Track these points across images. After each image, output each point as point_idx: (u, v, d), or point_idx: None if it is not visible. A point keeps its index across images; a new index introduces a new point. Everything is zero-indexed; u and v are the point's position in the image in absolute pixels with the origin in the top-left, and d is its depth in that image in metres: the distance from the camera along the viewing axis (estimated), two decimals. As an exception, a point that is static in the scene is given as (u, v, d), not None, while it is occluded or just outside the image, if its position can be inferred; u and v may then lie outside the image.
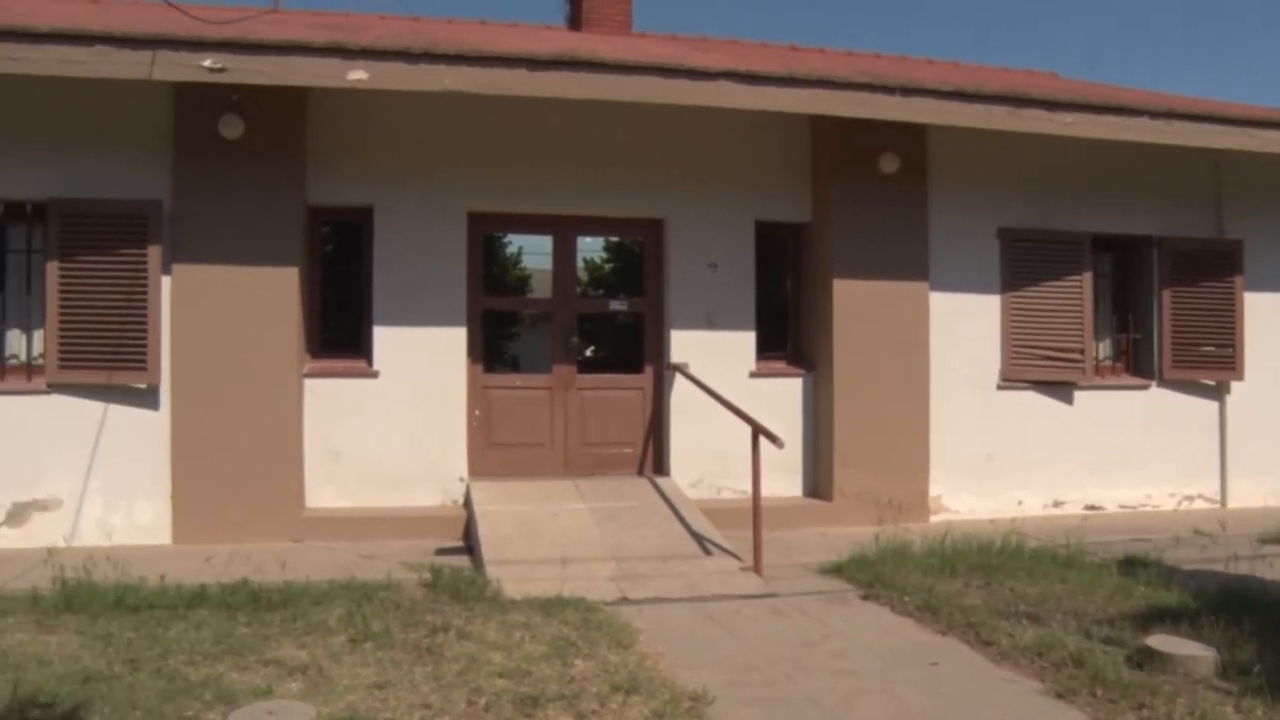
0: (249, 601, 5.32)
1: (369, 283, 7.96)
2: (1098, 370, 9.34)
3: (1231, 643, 4.71)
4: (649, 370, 8.59)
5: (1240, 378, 9.42)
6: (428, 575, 5.99)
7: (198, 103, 7.20)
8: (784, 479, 8.40)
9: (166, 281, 7.30)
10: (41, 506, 7.15)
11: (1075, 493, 8.99)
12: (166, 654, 4.44)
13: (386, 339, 7.88)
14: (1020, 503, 8.80)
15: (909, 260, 8.56)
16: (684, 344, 8.40)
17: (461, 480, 7.92)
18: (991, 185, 8.87)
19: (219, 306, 7.33)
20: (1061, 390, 9.05)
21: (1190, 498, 9.36)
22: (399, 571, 6.13)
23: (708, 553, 6.72)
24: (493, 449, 8.25)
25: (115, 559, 5.84)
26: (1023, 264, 8.91)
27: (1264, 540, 7.53)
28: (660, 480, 8.19)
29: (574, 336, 8.60)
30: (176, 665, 4.30)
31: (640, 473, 8.47)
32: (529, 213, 8.36)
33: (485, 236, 8.70)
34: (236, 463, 7.28)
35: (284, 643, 4.65)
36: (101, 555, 6.03)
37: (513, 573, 6.10)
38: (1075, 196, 9.09)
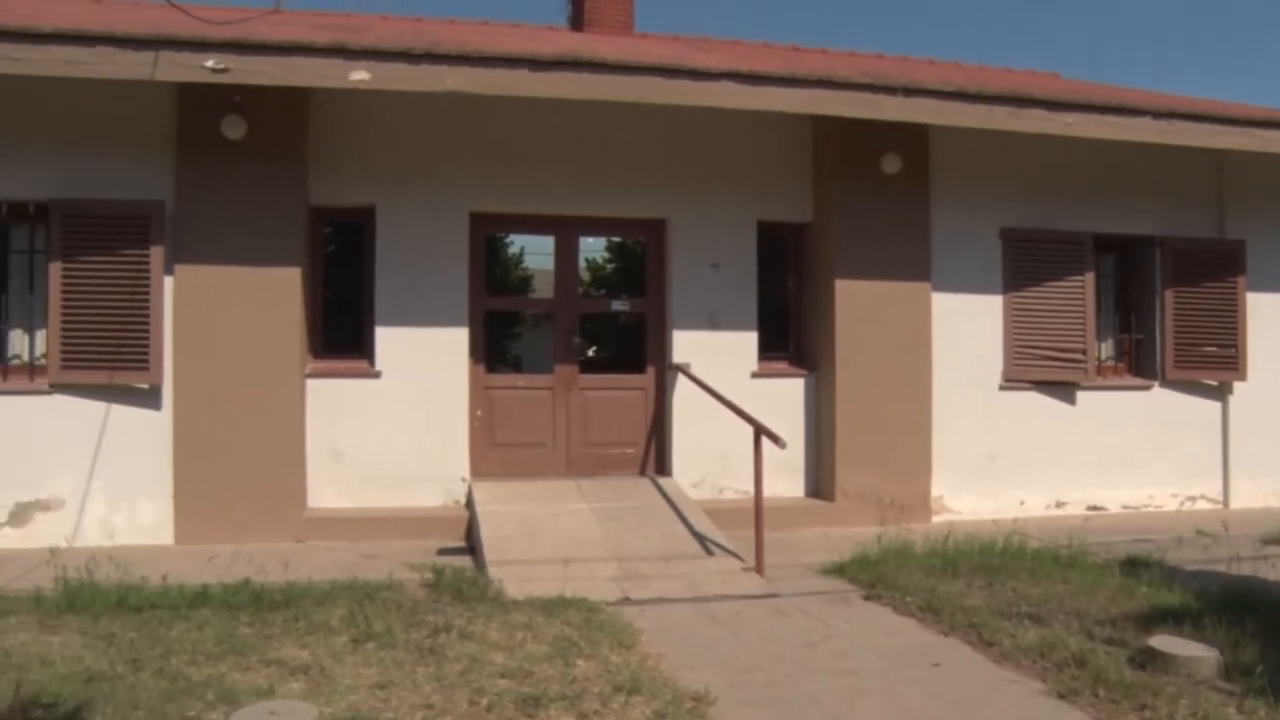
0: (251, 601, 5.32)
1: (371, 283, 7.97)
2: (1100, 370, 9.33)
3: (1234, 644, 4.71)
4: (651, 370, 8.60)
5: (1242, 378, 9.41)
6: (430, 575, 5.99)
7: (200, 103, 7.21)
8: (786, 479, 8.40)
9: (169, 282, 7.31)
10: (44, 506, 7.16)
11: (1077, 493, 8.99)
12: (169, 654, 4.44)
13: (388, 339, 7.89)
14: (1022, 503, 8.80)
15: (911, 260, 8.56)
16: (686, 344, 8.41)
17: (463, 480, 7.93)
18: (993, 185, 8.87)
19: (221, 307, 7.34)
20: (1064, 390, 9.05)
21: (1192, 498, 9.35)
22: (401, 572, 6.13)
23: (710, 553, 6.72)
24: (495, 449, 8.26)
25: (117, 559, 5.84)
26: (1025, 264, 8.90)
27: (1266, 541, 7.53)
28: (662, 480, 8.19)
29: (576, 337, 8.60)
30: (179, 665, 4.30)
31: (642, 473, 8.47)
32: (531, 213, 8.36)
33: (487, 237, 8.71)
34: (239, 463, 7.29)
35: (286, 643, 4.65)
36: (104, 555, 6.02)
37: (515, 573, 6.10)
38: (1077, 197, 9.08)
